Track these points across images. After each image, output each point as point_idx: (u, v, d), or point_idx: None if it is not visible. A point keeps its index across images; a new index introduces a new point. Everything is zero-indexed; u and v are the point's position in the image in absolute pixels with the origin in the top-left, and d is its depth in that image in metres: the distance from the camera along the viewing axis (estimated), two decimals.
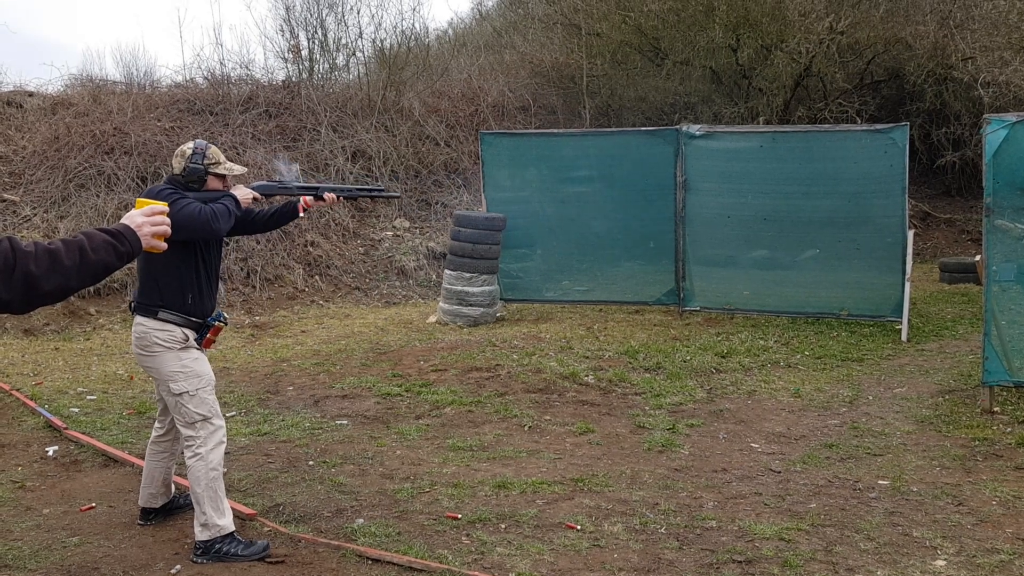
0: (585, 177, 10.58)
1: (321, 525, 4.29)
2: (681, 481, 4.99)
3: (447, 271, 10.08)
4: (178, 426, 3.98)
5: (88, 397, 6.92)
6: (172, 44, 40.83)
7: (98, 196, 11.69)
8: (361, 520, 4.35)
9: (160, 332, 3.88)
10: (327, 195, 4.46)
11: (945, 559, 3.88)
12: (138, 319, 3.94)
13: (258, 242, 11.96)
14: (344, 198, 4.59)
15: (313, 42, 16.68)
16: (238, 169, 4.12)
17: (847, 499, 4.65)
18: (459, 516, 4.39)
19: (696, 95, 16.24)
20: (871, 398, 6.81)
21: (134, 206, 2.30)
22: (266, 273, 11.66)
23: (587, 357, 7.99)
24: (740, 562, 3.86)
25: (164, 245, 2.26)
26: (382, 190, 4.58)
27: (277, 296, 11.39)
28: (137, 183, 12.12)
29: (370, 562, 3.85)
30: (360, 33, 19.15)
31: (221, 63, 18.99)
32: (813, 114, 14.54)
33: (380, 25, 23.20)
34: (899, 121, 10.77)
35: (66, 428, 5.90)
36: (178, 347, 3.90)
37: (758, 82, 15.68)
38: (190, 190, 3.95)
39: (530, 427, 6.08)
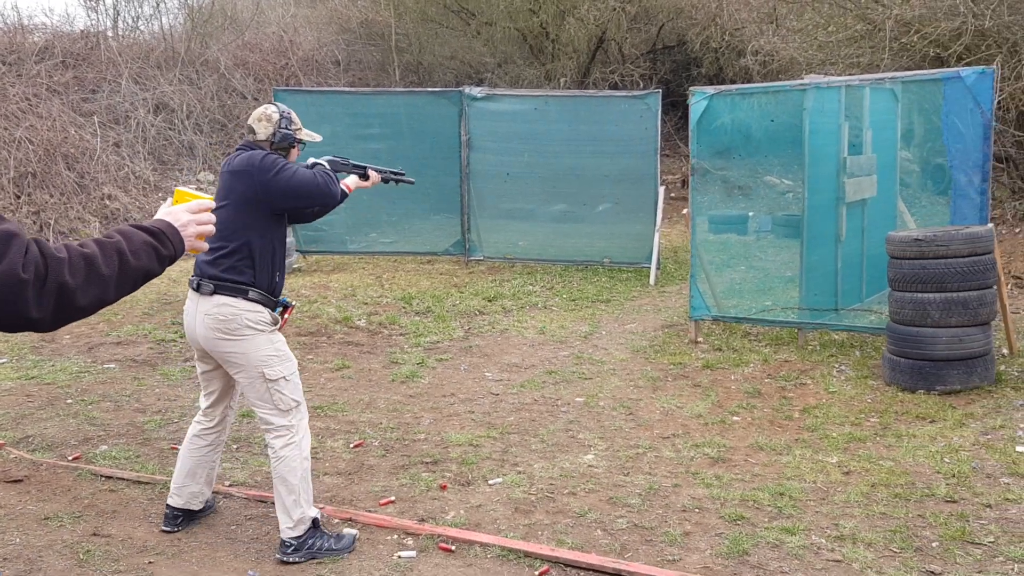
0: (379, 135, 11.12)
1: (67, 452, 4.77)
2: (410, 405, 5.76)
3: None
4: (264, 415, 3.61)
5: None
6: None
7: None
8: (105, 447, 4.87)
9: (251, 314, 3.53)
10: (371, 174, 4.12)
11: (594, 454, 4.80)
12: (221, 299, 3.52)
13: (51, 195, 11.86)
14: (383, 179, 4.20)
15: None
16: (317, 137, 3.92)
17: (542, 413, 5.54)
18: None
19: (502, 55, 16.98)
20: (604, 333, 7.82)
21: (171, 196, 1.96)
22: (60, 227, 11.61)
23: (366, 303, 8.65)
24: (427, 463, 4.66)
25: (206, 246, 1.95)
26: (403, 173, 4.29)
27: None
28: None
29: (103, 479, 4.39)
30: None
31: (15, 8, 18.11)
32: (605, 77, 15.61)
33: None
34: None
35: None
36: (268, 330, 3.59)
37: (560, 45, 16.58)
38: None
39: None
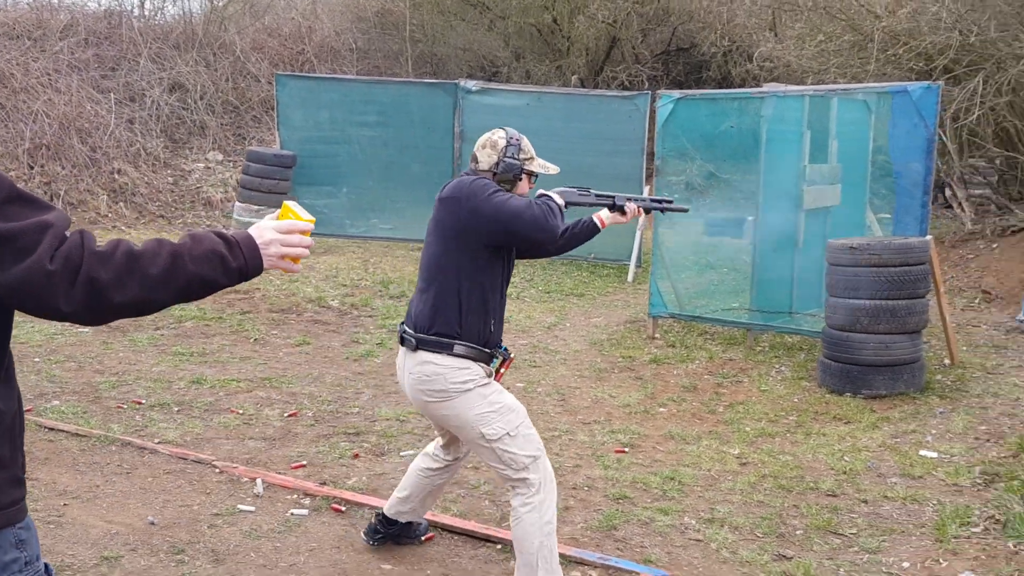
0: (376, 122, 11.44)
1: None
2: (356, 382, 6.03)
3: (237, 203, 10.82)
4: (499, 476, 3.22)
5: None
6: None
7: None
8: (57, 402, 5.20)
9: (457, 371, 3.07)
10: (628, 206, 3.53)
11: None
12: (423, 356, 3.09)
13: (63, 167, 12.32)
14: (643, 209, 3.61)
15: None
16: (553, 169, 3.37)
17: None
18: (143, 401, 5.30)
19: (516, 49, 17.21)
20: (568, 325, 8.04)
21: (279, 209, 1.83)
22: (69, 198, 12.06)
23: (345, 285, 8.95)
24: (350, 434, 4.94)
25: (298, 268, 1.80)
26: (671, 201, 3.69)
27: (78, 220, 11.82)
28: None
29: (45, 430, 4.72)
30: None
31: None
32: (615, 76, 15.78)
33: None
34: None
35: None
36: (480, 383, 3.12)
37: (573, 42, 16.78)
38: None
39: (256, 340, 7.01)
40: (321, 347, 6.91)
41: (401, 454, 4.64)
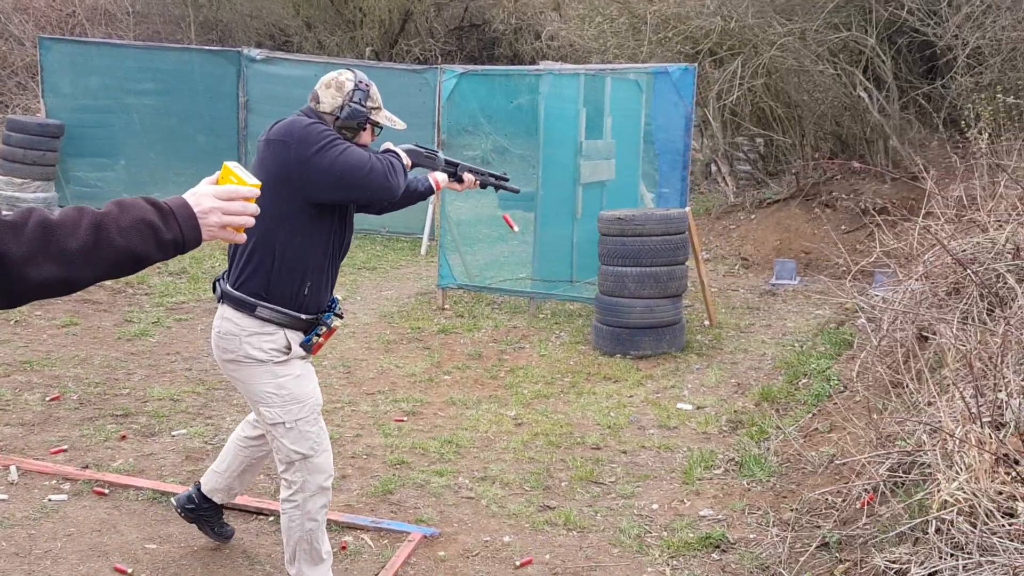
0: (153, 90, 10.82)
1: None
2: (127, 362, 5.77)
3: None
4: (274, 457, 3.02)
5: None
6: None
7: None
8: None
9: (255, 337, 2.84)
10: (466, 176, 3.36)
11: None
12: (225, 311, 2.88)
13: None
14: (480, 184, 3.44)
15: None
16: (400, 124, 3.10)
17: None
18: None
19: (306, 18, 16.80)
20: (359, 299, 8.04)
21: (219, 172, 1.64)
22: None
23: None
24: (118, 416, 4.74)
25: (242, 238, 1.64)
26: (507, 179, 3.51)
27: None
28: None
29: None
30: None
31: None
32: (409, 49, 15.78)
33: None
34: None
35: None
36: (275, 359, 2.87)
37: (366, 14, 16.59)
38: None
39: (16, 321, 6.53)
40: (90, 327, 6.54)
41: (173, 434, 4.52)
